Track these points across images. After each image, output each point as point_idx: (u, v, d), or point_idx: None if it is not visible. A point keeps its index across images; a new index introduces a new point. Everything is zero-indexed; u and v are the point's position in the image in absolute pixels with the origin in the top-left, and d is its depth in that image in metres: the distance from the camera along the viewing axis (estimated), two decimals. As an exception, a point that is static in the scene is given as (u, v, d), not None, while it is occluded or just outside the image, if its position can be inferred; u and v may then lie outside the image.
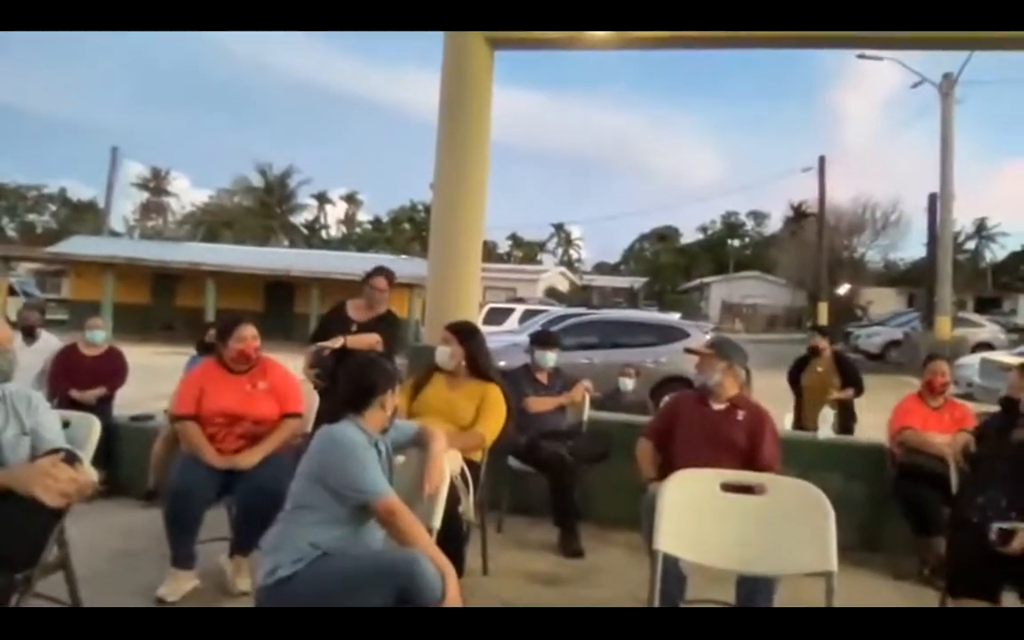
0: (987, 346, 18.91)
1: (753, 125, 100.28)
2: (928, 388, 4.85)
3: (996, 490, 3.05)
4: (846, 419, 6.25)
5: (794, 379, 6.80)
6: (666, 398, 4.60)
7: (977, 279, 48.32)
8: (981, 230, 54.61)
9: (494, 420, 3.86)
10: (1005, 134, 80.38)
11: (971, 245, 54.26)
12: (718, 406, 3.60)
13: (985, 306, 37.42)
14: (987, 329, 22.58)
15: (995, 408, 3.60)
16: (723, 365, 3.59)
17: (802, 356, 6.89)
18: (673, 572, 2.80)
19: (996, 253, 54.75)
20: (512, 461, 4.85)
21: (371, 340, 4.77)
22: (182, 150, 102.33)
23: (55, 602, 2.97)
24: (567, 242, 68.25)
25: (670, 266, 61.37)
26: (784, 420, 6.18)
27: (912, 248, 51.76)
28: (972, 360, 14.84)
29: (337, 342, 4.69)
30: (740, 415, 3.56)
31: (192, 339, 6.29)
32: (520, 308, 19.18)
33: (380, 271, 5.11)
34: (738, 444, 3.48)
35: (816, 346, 6.68)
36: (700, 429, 3.53)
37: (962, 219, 47.74)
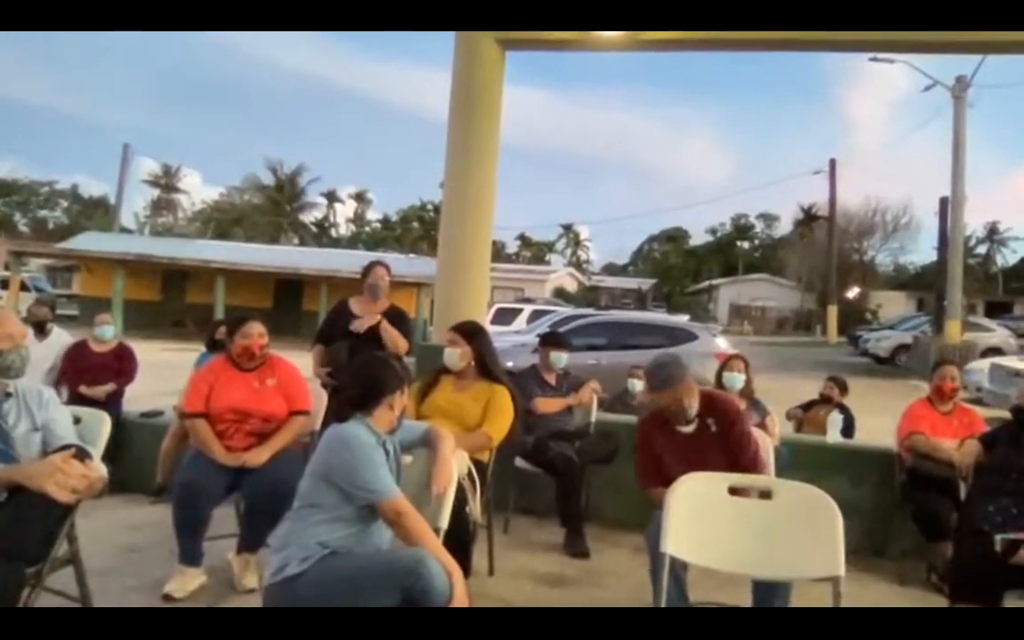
0: (997, 351, 18.72)
1: (763, 127, 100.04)
2: (937, 393, 4.82)
3: (1007, 499, 3.04)
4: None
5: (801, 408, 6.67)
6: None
7: (988, 283, 48.13)
8: (993, 234, 54.36)
9: (501, 421, 3.87)
10: (1018, 138, 79.78)
11: (982, 249, 54.02)
12: (687, 429, 3.37)
13: (996, 311, 37.19)
14: (997, 334, 22.36)
15: (1005, 414, 3.58)
16: (697, 389, 3.37)
17: (812, 400, 6.71)
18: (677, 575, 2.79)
19: (1007, 257, 54.54)
20: (519, 462, 4.85)
21: (399, 340, 4.81)
22: (193, 147, 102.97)
23: (65, 596, 2.99)
24: (575, 243, 68.15)
25: (679, 268, 61.29)
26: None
27: (923, 252, 51.78)
28: (982, 365, 14.74)
29: (365, 324, 4.76)
30: (712, 426, 3.34)
31: (201, 335, 6.31)
32: (528, 308, 19.14)
33: (379, 264, 5.12)
34: (720, 461, 3.23)
35: (831, 396, 6.49)
36: (684, 461, 3.19)
37: (973, 223, 47.77)
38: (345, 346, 4.72)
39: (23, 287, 24.13)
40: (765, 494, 2.77)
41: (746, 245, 64.00)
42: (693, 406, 3.32)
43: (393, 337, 4.79)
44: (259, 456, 3.74)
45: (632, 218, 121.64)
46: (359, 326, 4.80)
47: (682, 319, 17.41)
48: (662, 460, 3.30)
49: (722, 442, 3.32)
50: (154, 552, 4.12)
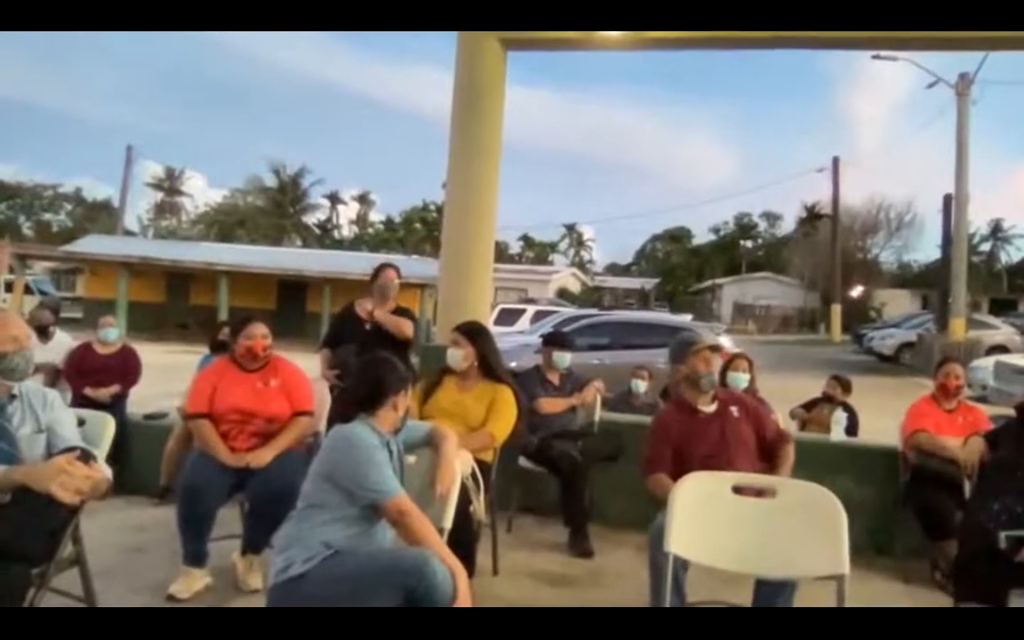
0: (1002, 349, 18.68)
1: (766, 126, 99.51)
2: (942, 391, 4.81)
3: (1012, 497, 3.03)
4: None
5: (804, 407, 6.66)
6: (662, 406, 4.44)
7: (992, 281, 47.89)
8: (997, 232, 54.11)
9: (504, 421, 3.88)
10: (1022, 134, 79.40)
11: (986, 247, 53.77)
12: (710, 409, 3.45)
13: (1000, 308, 36.99)
14: (1002, 332, 22.32)
15: (1010, 411, 3.57)
16: (714, 358, 3.52)
17: (815, 398, 6.70)
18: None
19: (1012, 255, 54.22)
20: (523, 461, 4.85)
21: (403, 324, 4.84)
22: (196, 149, 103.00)
23: (70, 597, 3.00)
24: (579, 243, 68.04)
25: (682, 267, 61.16)
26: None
27: (926, 249, 51.57)
28: (987, 363, 14.72)
29: (378, 312, 4.83)
30: (735, 410, 3.46)
31: (205, 337, 6.31)
32: (531, 309, 19.16)
33: (388, 266, 5.17)
34: (748, 439, 3.40)
35: (834, 394, 6.48)
36: (710, 438, 3.35)
37: (977, 220, 47.40)
38: (353, 349, 4.74)
39: (27, 290, 24.19)
40: (769, 493, 2.77)
41: (749, 244, 63.77)
42: (713, 372, 3.46)
43: (397, 323, 4.82)
44: (263, 457, 3.75)
45: (635, 218, 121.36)
46: (376, 314, 4.87)
47: (685, 318, 17.41)
48: (679, 448, 3.35)
49: (746, 423, 3.44)
50: (158, 553, 4.13)
